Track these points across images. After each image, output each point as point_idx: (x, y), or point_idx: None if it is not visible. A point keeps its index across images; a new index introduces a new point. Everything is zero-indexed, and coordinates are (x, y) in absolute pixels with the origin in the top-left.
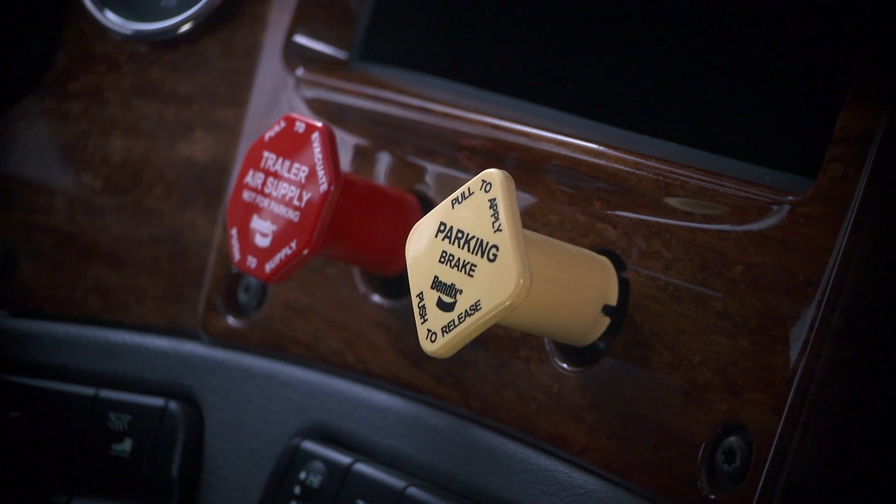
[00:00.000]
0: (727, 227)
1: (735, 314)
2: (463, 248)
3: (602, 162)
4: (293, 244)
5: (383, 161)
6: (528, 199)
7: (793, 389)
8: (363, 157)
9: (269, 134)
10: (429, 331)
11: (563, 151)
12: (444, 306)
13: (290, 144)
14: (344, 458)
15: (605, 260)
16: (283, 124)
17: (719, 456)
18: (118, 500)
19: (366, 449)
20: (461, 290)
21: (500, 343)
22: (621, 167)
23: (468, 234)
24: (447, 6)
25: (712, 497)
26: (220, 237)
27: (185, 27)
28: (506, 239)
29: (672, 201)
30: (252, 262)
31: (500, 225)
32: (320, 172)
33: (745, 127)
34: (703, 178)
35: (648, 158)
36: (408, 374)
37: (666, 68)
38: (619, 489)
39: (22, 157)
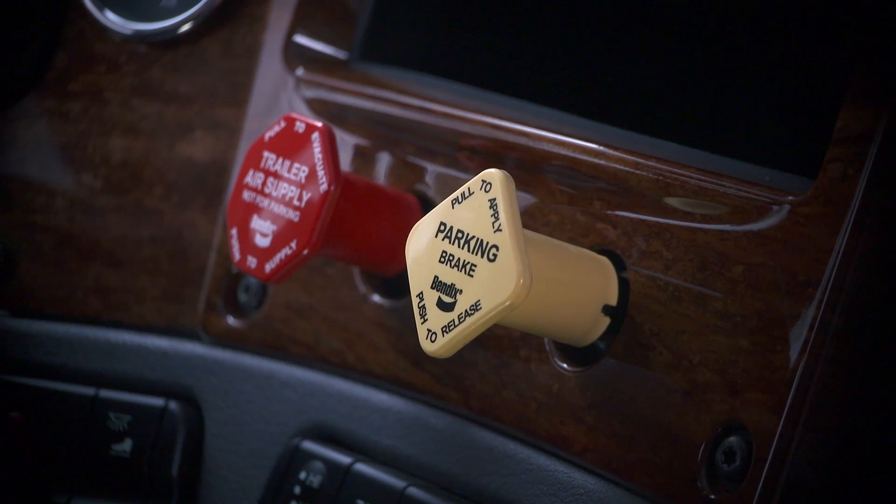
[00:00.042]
0: (727, 227)
1: (735, 314)
2: (463, 248)
3: (602, 162)
4: (293, 244)
5: (383, 161)
6: (528, 199)
7: (793, 389)
8: (363, 157)
9: (269, 134)
10: (429, 331)
11: (563, 151)
12: (444, 306)
13: (290, 144)
14: (344, 458)
15: (605, 260)
16: (283, 124)
17: (719, 456)
18: (118, 500)
19: (366, 449)
20: (461, 290)
21: (500, 343)
22: (621, 167)
23: (468, 234)
24: (447, 6)
25: (712, 497)
26: (220, 237)
27: (185, 27)
28: (506, 239)
29: (672, 201)
30: (252, 262)
31: (500, 225)
32: (320, 172)
33: (745, 127)
34: (703, 178)
35: (648, 158)
36: (408, 374)
37: (666, 68)
38: (619, 489)
39: (22, 157)
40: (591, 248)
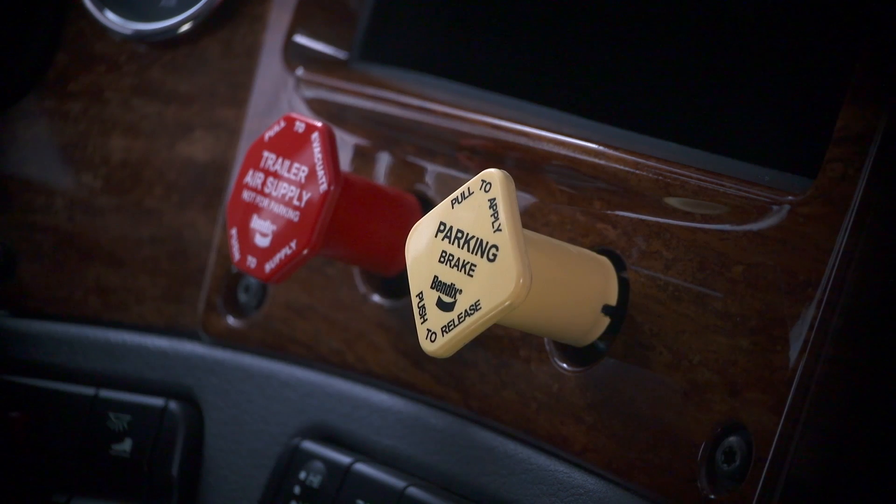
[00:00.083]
0: (727, 227)
1: (735, 314)
2: (463, 248)
3: (602, 162)
4: (293, 244)
5: (383, 161)
6: (528, 199)
7: (793, 389)
8: (363, 157)
9: (268, 134)
10: (429, 331)
11: (563, 151)
12: (444, 306)
13: (290, 144)
14: (344, 458)
15: (605, 260)
16: (282, 124)
17: (719, 456)
18: (118, 500)
19: (366, 449)
20: (461, 290)
21: (500, 343)
22: (621, 167)
23: (468, 234)
24: (447, 6)
25: (712, 497)
26: (220, 237)
27: (185, 27)
28: (506, 239)
29: (672, 201)
30: (252, 261)
31: (499, 225)
32: (320, 172)
33: (745, 127)
34: (703, 178)
35: (648, 158)
36: (408, 374)
37: (666, 68)
38: (619, 489)
39: (22, 157)
40: (591, 248)
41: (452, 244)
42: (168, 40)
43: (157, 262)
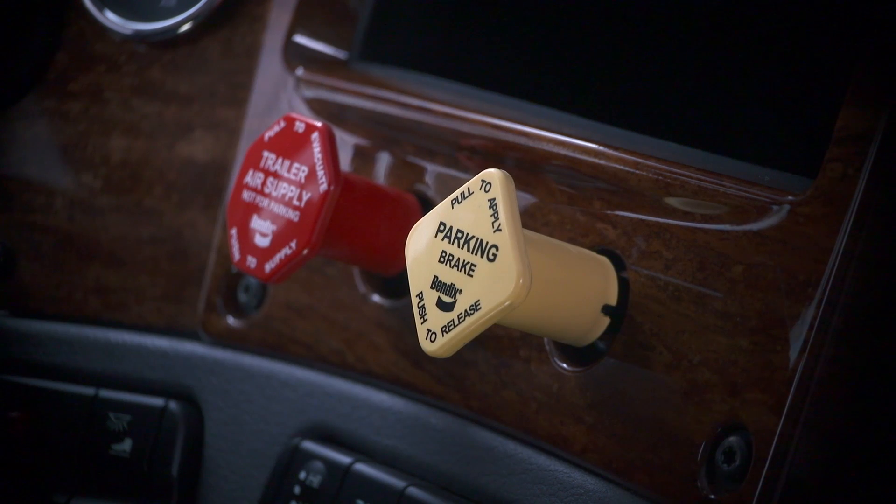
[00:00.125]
0: (727, 227)
1: (735, 314)
2: (462, 248)
3: (602, 162)
4: (293, 244)
5: (383, 161)
6: (528, 199)
7: (793, 389)
8: (363, 157)
9: (268, 134)
10: (428, 331)
11: (563, 151)
12: (444, 306)
13: (290, 144)
14: (344, 458)
15: (604, 260)
16: (282, 124)
17: (719, 456)
18: (118, 500)
19: (366, 449)
20: (461, 290)
21: (500, 343)
22: (621, 167)
23: (468, 234)
24: (447, 6)
25: (712, 497)
26: (219, 237)
27: (185, 27)
28: (505, 239)
29: (672, 201)
30: (252, 261)
31: (499, 225)
32: (320, 172)
33: (745, 127)
34: (703, 178)
35: (648, 158)
36: (408, 374)
37: (666, 68)
38: (619, 489)
39: (22, 157)
40: (591, 248)
41: (452, 244)
42: (168, 40)
43: (157, 262)
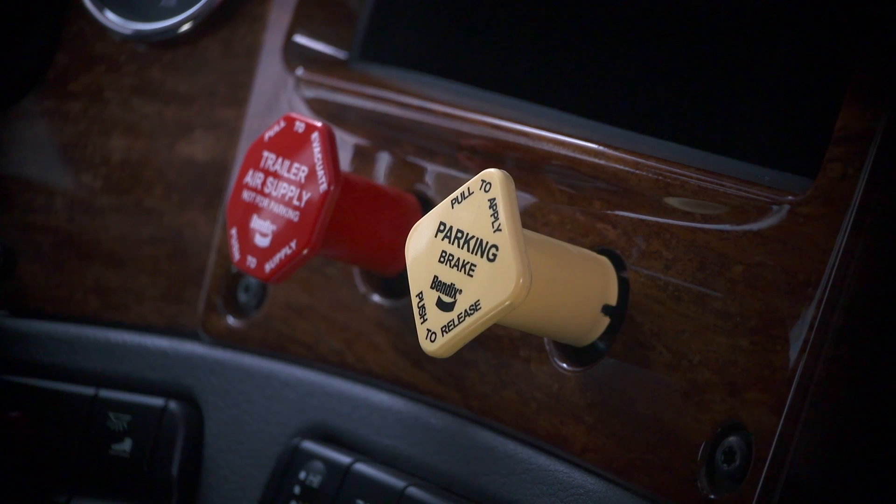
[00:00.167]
0: (727, 227)
1: (735, 314)
2: (462, 248)
3: (602, 162)
4: (293, 244)
5: (383, 161)
6: (528, 199)
7: (793, 389)
8: (363, 157)
9: (268, 134)
10: (428, 331)
11: (563, 151)
12: (444, 306)
13: (290, 144)
14: (344, 458)
15: (604, 260)
16: (282, 124)
17: (719, 456)
18: (118, 500)
19: (366, 449)
20: (461, 290)
21: (500, 343)
22: (621, 167)
23: (468, 234)
24: (447, 6)
25: (712, 497)
26: (219, 237)
27: (185, 27)
28: (505, 239)
29: (672, 201)
30: (252, 261)
31: (499, 225)
32: (320, 172)
33: (745, 127)
34: (703, 178)
35: (648, 158)
36: (408, 374)
37: (666, 68)
38: (619, 489)
39: (22, 157)
40: (591, 248)
41: (452, 244)
42: (168, 40)
43: (157, 262)
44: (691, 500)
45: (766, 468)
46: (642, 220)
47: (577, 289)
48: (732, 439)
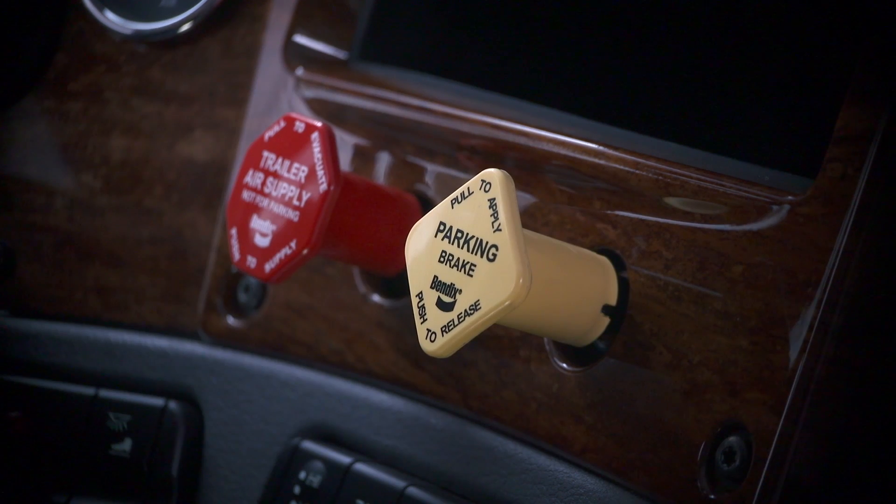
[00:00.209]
0: (727, 226)
1: (735, 314)
2: (462, 248)
3: (602, 162)
4: (293, 244)
5: (383, 161)
6: (528, 199)
7: (793, 389)
8: (363, 157)
9: (268, 134)
10: (428, 330)
11: (563, 151)
12: (444, 306)
13: (290, 144)
14: (344, 458)
15: (604, 260)
16: (282, 124)
17: (719, 456)
18: (118, 500)
19: (366, 449)
20: (461, 290)
21: (500, 343)
22: (621, 167)
23: (468, 234)
24: (447, 6)
25: (712, 497)
26: (219, 237)
27: (185, 27)
28: (505, 239)
29: (672, 201)
30: (252, 261)
31: (499, 225)
32: (320, 172)
33: (744, 127)
34: (703, 178)
35: (648, 158)
36: (408, 374)
37: (666, 68)
38: (619, 489)
39: (22, 157)
40: (591, 247)
41: (452, 244)
42: (168, 40)
43: (157, 262)
44: (691, 500)
45: (766, 468)
46: (642, 220)
47: (577, 289)
48: (732, 439)
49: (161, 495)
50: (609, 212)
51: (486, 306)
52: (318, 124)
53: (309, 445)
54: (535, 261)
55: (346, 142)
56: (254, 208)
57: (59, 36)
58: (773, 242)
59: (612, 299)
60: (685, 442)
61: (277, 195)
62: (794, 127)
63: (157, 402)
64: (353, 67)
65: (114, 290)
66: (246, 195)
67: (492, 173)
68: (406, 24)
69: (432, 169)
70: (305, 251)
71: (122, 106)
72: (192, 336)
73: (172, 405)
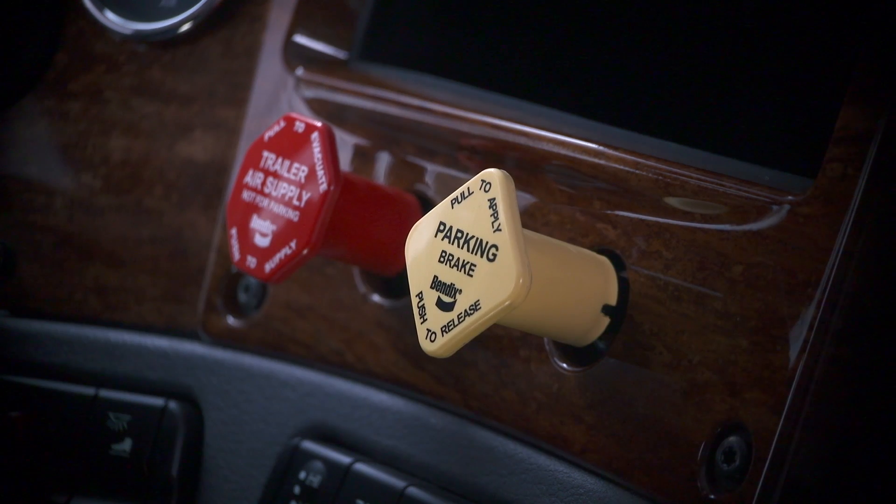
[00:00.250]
0: (727, 226)
1: (735, 314)
2: (462, 248)
3: (602, 162)
4: (293, 244)
5: (383, 161)
6: (528, 198)
7: (792, 389)
8: (363, 157)
9: (268, 134)
10: (428, 330)
11: (563, 151)
12: (444, 306)
13: (290, 144)
14: (344, 458)
15: (604, 260)
16: (282, 124)
17: (719, 456)
18: (118, 500)
19: (366, 449)
20: (461, 290)
21: (500, 343)
22: (621, 167)
23: (468, 234)
24: (447, 6)
25: (712, 497)
26: (219, 237)
27: (185, 27)
28: (505, 239)
29: (672, 201)
30: (252, 261)
31: (499, 225)
32: (320, 172)
33: (744, 127)
34: (703, 178)
35: (648, 158)
36: (408, 374)
37: (666, 68)
38: (619, 489)
39: (22, 157)
40: (591, 247)
41: (452, 244)
42: (168, 40)
43: (157, 262)
44: (691, 500)
45: (765, 468)
46: (642, 220)
47: (577, 289)
48: (732, 439)
49: (161, 495)
50: (609, 212)
51: (486, 306)
52: (318, 124)
53: (309, 445)
54: (535, 261)
55: (346, 142)
56: (254, 208)
57: (59, 36)
58: (773, 242)
59: (612, 299)
60: (685, 442)
61: (277, 195)
62: (794, 127)
63: (157, 402)
64: (353, 67)
65: (114, 290)
66: (246, 195)
67: (492, 173)
68: (406, 24)
69: (432, 169)
70: (305, 251)
71: (122, 106)
72: (192, 336)
73: (172, 405)
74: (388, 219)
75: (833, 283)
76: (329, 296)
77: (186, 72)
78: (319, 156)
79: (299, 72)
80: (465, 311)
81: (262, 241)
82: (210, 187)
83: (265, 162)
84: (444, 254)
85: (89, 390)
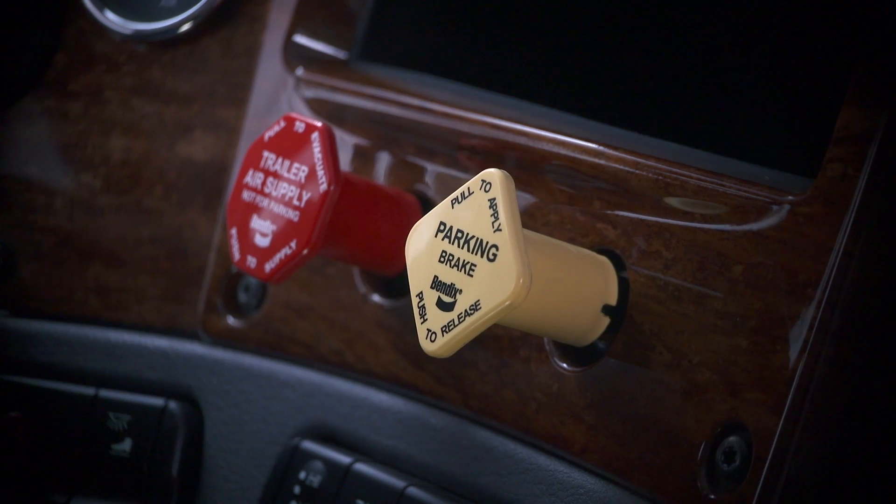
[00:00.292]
0: (727, 226)
1: (735, 314)
2: (462, 248)
3: (602, 162)
4: (293, 244)
5: (383, 161)
6: (528, 198)
7: (793, 389)
8: (363, 157)
9: (268, 134)
10: (428, 330)
11: (563, 151)
12: (444, 306)
13: (290, 144)
14: (344, 458)
15: (604, 260)
16: (282, 124)
17: (719, 456)
18: (118, 500)
19: (366, 449)
20: (461, 290)
21: (500, 343)
22: (621, 167)
23: (468, 234)
24: (447, 6)
25: (712, 497)
26: (219, 237)
27: (185, 27)
28: (505, 239)
29: (672, 201)
30: (252, 261)
31: (499, 225)
32: (320, 172)
33: (744, 127)
34: (703, 178)
35: (648, 158)
36: (408, 374)
37: (666, 68)
38: (619, 489)
39: (22, 157)
40: (591, 247)
41: (452, 244)
42: (168, 40)
43: (157, 262)
44: (691, 500)
45: (766, 468)
46: (642, 220)
47: (577, 289)
48: (732, 439)
49: (161, 495)
50: (609, 212)
51: (486, 306)
52: (318, 124)
53: (309, 445)
54: (535, 261)
55: (346, 142)
56: (254, 208)
57: (59, 36)
58: (773, 242)
59: (612, 299)
60: (685, 442)
61: (277, 195)
62: (794, 127)
63: (157, 402)
64: (353, 67)
65: (114, 290)
66: (246, 195)
67: (492, 173)
68: (406, 24)
69: (432, 169)
70: (305, 251)
71: (122, 106)
72: (192, 336)
73: (172, 405)
74: (388, 219)
75: (833, 283)
76: (329, 296)
77: (186, 72)
78: (319, 156)
79: (299, 72)
80: (466, 311)
81: (262, 241)
82: (210, 187)
83: (265, 162)
84: (444, 254)
85: (89, 390)
